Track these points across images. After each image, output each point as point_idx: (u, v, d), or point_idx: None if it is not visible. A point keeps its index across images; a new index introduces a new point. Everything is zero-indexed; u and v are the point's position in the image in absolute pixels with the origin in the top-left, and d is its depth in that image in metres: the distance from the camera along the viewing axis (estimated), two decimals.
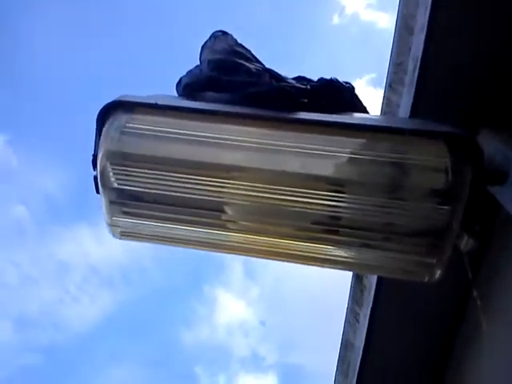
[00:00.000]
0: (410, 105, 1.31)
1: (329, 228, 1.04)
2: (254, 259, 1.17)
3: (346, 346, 1.88)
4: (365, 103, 1.28)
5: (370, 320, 1.62)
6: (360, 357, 1.74)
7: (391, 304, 1.57)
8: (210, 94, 1.20)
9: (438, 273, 1.00)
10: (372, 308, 1.58)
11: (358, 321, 1.75)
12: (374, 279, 1.53)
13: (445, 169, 0.95)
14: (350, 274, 1.73)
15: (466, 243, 0.97)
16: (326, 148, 1.02)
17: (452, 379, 1.71)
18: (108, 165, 1.05)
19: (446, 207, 0.94)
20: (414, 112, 1.31)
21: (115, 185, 1.06)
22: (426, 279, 1.03)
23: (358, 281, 1.67)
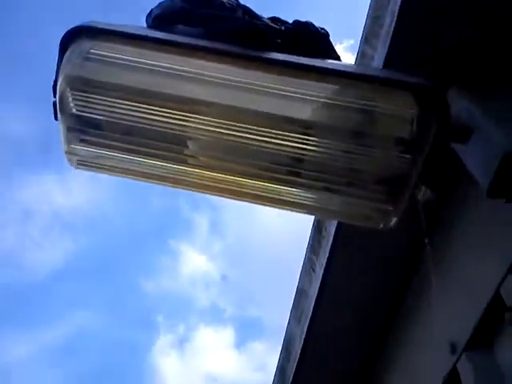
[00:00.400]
0: (384, 57, 1.30)
1: (292, 169, 1.04)
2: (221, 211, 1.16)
3: (300, 294, 1.93)
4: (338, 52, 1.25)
5: (325, 269, 1.65)
6: (313, 305, 1.79)
7: (347, 255, 1.60)
8: (181, 27, 1.15)
9: (393, 220, 1.02)
10: (328, 258, 1.61)
11: (314, 270, 1.78)
12: (332, 230, 1.56)
13: (411, 119, 0.95)
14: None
15: (423, 194, 0.98)
16: (296, 90, 1.00)
17: (401, 331, 1.79)
18: (67, 90, 1.00)
19: (407, 156, 0.95)
20: (388, 65, 1.30)
21: (74, 111, 1.02)
22: (382, 226, 1.05)
23: (317, 231, 1.70)
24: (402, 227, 1.13)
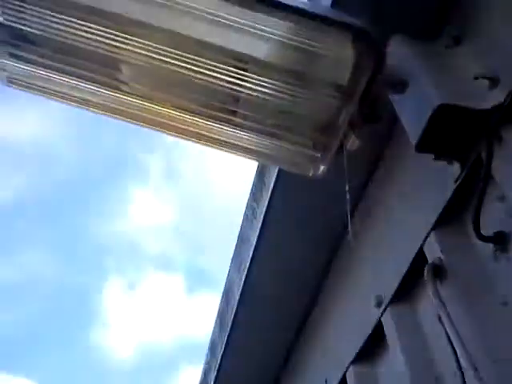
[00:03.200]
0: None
1: (227, 107, 1.03)
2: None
3: (241, 240, 1.96)
4: None
5: (264, 216, 1.67)
6: (251, 251, 1.82)
7: (286, 203, 1.62)
8: None
9: (321, 168, 1.03)
10: (268, 204, 1.63)
11: (255, 217, 1.80)
12: (273, 177, 1.56)
13: (346, 63, 0.95)
14: None
15: (352, 143, 0.99)
16: (237, 20, 0.97)
17: (334, 283, 1.84)
18: None
19: (338, 101, 0.95)
20: (336, 3, 1.27)
21: (2, 19, 0.96)
22: (311, 173, 1.06)
23: (259, 178, 1.70)
24: (339, 177, 1.15)
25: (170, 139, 1.14)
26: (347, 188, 0.92)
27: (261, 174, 1.67)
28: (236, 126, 1.06)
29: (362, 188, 1.50)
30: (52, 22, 0.97)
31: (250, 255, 1.84)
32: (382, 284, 1.46)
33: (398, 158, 1.35)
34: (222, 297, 2.27)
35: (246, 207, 1.84)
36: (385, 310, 1.45)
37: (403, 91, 1.10)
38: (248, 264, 1.88)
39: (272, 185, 1.56)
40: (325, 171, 1.08)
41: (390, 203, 1.42)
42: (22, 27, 0.98)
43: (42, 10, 0.96)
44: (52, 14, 0.96)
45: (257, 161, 1.45)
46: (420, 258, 1.26)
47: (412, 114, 1.08)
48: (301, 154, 1.05)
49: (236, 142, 1.09)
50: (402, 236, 1.37)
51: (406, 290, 1.38)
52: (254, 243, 1.77)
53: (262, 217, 1.68)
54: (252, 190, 1.77)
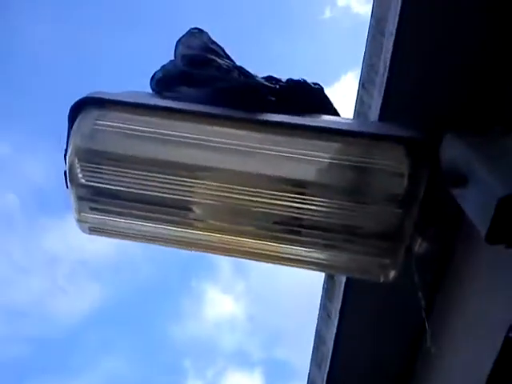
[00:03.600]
0: (379, 107, 1.34)
1: (291, 228, 1.07)
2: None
3: (319, 340, 1.93)
4: (335, 105, 1.30)
5: (340, 315, 1.65)
6: (331, 351, 1.79)
7: (361, 300, 1.60)
8: (183, 88, 1.22)
9: (392, 273, 1.04)
10: (342, 303, 1.62)
11: (329, 316, 1.78)
12: (343, 276, 1.57)
13: (402, 174, 0.98)
14: None
15: (419, 246, 1.00)
16: (290, 150, 1.04)
17: (421, 374, 1.76)
18: (76, 161, 1.07)
19: (400, 211, 0.97)
20: (383, 114, 1.33)
21: (83, 181, 1.08)
22: (382, 279, 1.06)
23: (329, 277, 1.71)
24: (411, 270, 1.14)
25: None
26: (420, 295, 0.92)
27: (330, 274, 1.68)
28: (302, 243, 1.10)
29: (436, 280, 1.48)
30: (125, 176, 1.08)
31: (330, 355, 1.80)
32: (469, 376, 1.38)
33: (473, 243, 1.33)
34: None
35: (320, 305, 1.83)
36: None
37: (464, 185, 1.11)
38: (329, 363, 1.84)
39: (343, 284, 1.56)
40: (395, 276, 1.08)
41: (469, 290, 1.38)
42: (100, 185, 1.09)
43: (115, 168, 1.07)
44: (124, 170, 1.07)
45: (326, 273, 1.47)
46: (508, 348, 1.21)
47: (477, 207, 1.08)
48: (370, 263, 1.06)
49: (304, 259, 1.12)
50: (486, 325, 1.31)
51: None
52: (333, 342, 1.75)
53: (337, 316, 1.66)
54: (323, 287, 1.77)
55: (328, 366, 1.83)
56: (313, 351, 2.04)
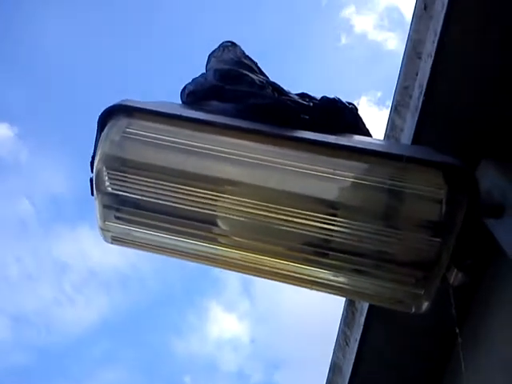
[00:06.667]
0: (413, 131, 1.30)
1: (319, 250, 1.03)
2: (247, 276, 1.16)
3: (334, 369, 1.86)
4: (368, 125, 1.27)
5: (359, 344, 1.60)
6: (347, 381, 1.72)
7: (382, 329, 1.55)
8: (214, 102, 1.20)
9: (425, 304, 0.99)
10: (362, 332, 1.56)
11: (347, 344, 1.72)
12: (366, 304, 1.52)
13: (440, 200, 0.94)
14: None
15: (455, 277, 0.95)
16: (323, 169, 1.01)
17: None
18: (104, 169, 1.05)
19: (437, 239, 0.93)
20: (417, 138, 1.30)
21: (109, 189, 1.06)
22: (413, 310, 1.01)
23: (350, 303, 1.65)
24: (439, 304, 1.09)
25: None
26: (457, 331, 0.87)
27: (351, 299, 1.63)
28: (329, 267, 1.06)
29: (464, 313, 1.41)
30: (152, 187, 1.05)
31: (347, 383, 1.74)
32: None
33: (504, 277, 1.28)
34: None
35: (338, 332, 1.77)
36: None
37: (500, 216, 1.07)
38: None
39: (366, 311, 1.51)
40: (428, 307, 1.03)
41: (498, 325, 1.32)
42: (126, 194, 1.07)
43: (142, 178, 1.05)
44: (151, 180, 1.04)
45: (353, 299, 1.42)
46: None
47: None
48: (402, 292, 1.01)
49: (329, 283, 1.08)
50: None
51: None
52: (350, 372, 1.68)
53: (356, 344, 1.60)
54: (343, 314, 1.71)
55: None
56: (326, 381, 1.98)
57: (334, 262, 1.02)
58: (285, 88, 1.19)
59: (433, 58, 1.22)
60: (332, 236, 1.00)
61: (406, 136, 1.37)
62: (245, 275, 1.12)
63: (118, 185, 1.06)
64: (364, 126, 1.25)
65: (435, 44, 1.22)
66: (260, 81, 1.16)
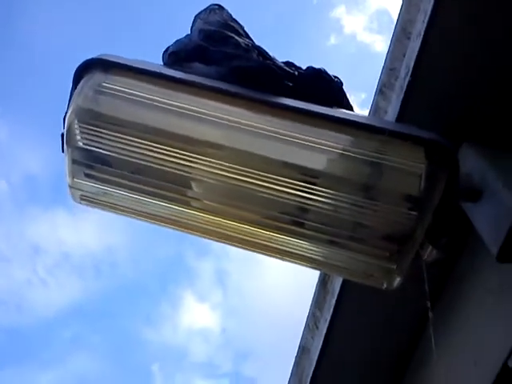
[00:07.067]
0: (397, 111, 1.28)
1: (295, 219, 1.01)
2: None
3: (302, 350, 1.85)
4: (351, 102, 1.24)
5: (329, 325, 1.58)
6: (315, 362, 1.71)
7: (352, 311, 1.54)
8: (196, 64, 1.15)
9: (397, 280, 0.98)
10: (333, 313, 1.55)
11: (317, 326, 1.71)
12: (337, 285, 1.50)
13: (419, 175, 0.92)
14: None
15: (429, 253, 0.94)
16: (305, 137, 0.99)
17: None
18: (75, 122, 1.00)
19: (413, 213, 0.91)
20: (401, 119, 1.28)
21: (80, 144, 1.01)
22: (385, 286, 1.00)
23: (322, 286, 1.64)
24: (412, 285, 1.08)
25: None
26: (429, 305, 0.86)
27: (323, 281, 1.61)
28: (304, 237, 1.04)
29: (436, 294, 1.41)
30: (125, 144, 1.01)
31: (313, 366, 1.73)
32: None
33: (479, 260, 1.27)
34: None
35: (308, 314, 1.76)
36: None
37: (477, 199, 1.06)
38: (310, 376, 1.76)
39: (337, 292, 1.49)
40: (400, 283, 1.02)
41: (471, 308, 1.32)
42: (99, 150, 1.02)
43: (116, 134, 1.01)
44: (125, 137, 1.00)
45: (326, 272, 1.41)
46: (505, 375, 1.14)
47: (490, 223, 1.03)
48: (375, 266, 1.00)
49: (304, 254, 1.06)
50: (485, 346, 1.25)
51: None
52: (318, 353, 1.67)
53: (326, 325, 1.59)
54: (314, 296, 1.70)
55: (310, 378, 1.76)
56: (294, 363, 1.96)
57: (309, 231, 1.00)
58: (271, 54, 1.15)
59: (421, 37, 1.20)
60: (309, 205, 0.98)
61: (390, 117, 1.35)
62: (219, 243, 1.09)
63: (89, 139, 1.01)
64: (348, 100, 1.22)
65: (425, 23, 1.20)
66: (246, 44, 1.12)
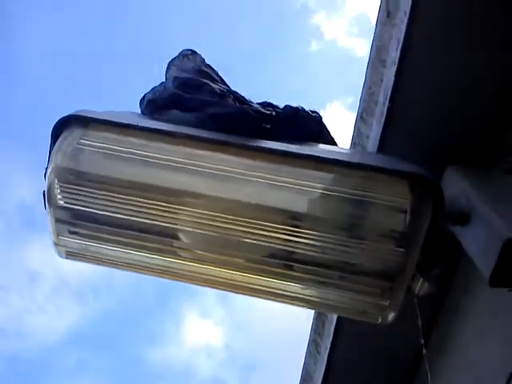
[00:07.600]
0: (379, 137, 1.29)
1: (284, 262, 1.00)
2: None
3: (305, 377, 1.84)
4: (333, 134, 1.24)
5: (329, 352, 1.57)
6: None
7: (352, 337, 1.53)
8: (173, 111, 1.15)
9: (391, 315, 0.97)
10: (332, 341, 1.54)
11: (318, 352, 1.70)
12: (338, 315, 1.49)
13: (404, 210, 0.92)
14: None
15: (420, 287, 0.93)
16: (285, 180, 0.98)
17: None
18: (55, 181, 1.00)
19: (401, 249, 0.91)
20: (382, 145, 1.29)
21: (62, 203, 1.01)
22: (379, 321, 0.99)
23: (320, 312, 1.63)
24: (409, 313, 1.08)
25: None
26: (422, 342, 0.85)
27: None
28: (294, 279, 1.03)
29: (432, 322, 1.41)
30: (108, 200, 1.00)
31: None
32: None
33: (472, 284, 1.27)
34: None
35: (309, 341, 1.74)
36: None
37: (466, 223, 1.06)
38: None
39: (335, 319, 1.48)
40: (394, 318, 1.01)
41: (468, 333, 1.31)
42: (80, 208, 1.02)
43: (97, 192, 1.00)
44: (107, 193, 1.00)
45: (320, 311, 1.40)
46: None
47: (480, 247, 1.03)
48: (367, 304, 0.99)
49: (297, 295, 1.05)
50: (484, 371, 1.24)
51: None
52: (321, 381, 1.66)
53: (327, 352, 1.58)
54: (313, 323, 1.69)
55: None
56: None
57: (298, 274, 0.99)
58: (246, 97, 1.15)
59: (396, 66, 1.20)
60: (296, 248, 0.98)
61: (372, 143, 1.35)
62: (209, 289, 1.08)
63: (71, 198, 1.01)
64: (329, 134, 1.22)
65: (398, 52, 1.21)
66: (221, 90, 1.12)
